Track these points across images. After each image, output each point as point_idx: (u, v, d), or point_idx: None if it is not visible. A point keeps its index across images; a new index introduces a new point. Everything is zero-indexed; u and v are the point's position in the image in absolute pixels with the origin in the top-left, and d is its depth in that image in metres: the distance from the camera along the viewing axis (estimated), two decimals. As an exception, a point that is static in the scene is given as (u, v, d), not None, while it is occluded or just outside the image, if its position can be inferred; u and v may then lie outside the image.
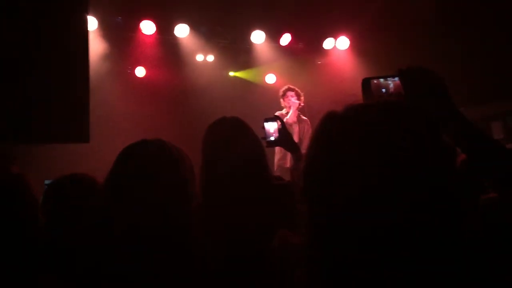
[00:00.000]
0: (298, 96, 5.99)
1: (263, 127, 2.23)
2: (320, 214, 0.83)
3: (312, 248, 0.84)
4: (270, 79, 8.32)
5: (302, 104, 5.98)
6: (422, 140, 0.82)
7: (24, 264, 1.44)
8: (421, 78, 1.12)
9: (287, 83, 6.53)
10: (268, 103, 6.58)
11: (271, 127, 2.22)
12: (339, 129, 0.86)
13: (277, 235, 1.17)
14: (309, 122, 6.00)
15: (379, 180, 0.78)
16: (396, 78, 1.17)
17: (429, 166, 0.79)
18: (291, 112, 5.90)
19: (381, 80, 1.20)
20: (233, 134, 1.89)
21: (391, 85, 1.20)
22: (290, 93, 6.01)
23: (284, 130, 2.22)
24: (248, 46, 7.91)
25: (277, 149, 5.71)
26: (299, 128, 5.87)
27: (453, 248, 0.77)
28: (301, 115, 6.01)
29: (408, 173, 0.78)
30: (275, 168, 5.63)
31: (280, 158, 5.73)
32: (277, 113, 5.86)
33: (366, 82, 1.21)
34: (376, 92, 1.20)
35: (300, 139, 5.75)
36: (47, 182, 3.37)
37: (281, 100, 6.12)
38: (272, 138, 2.21)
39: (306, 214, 0.86)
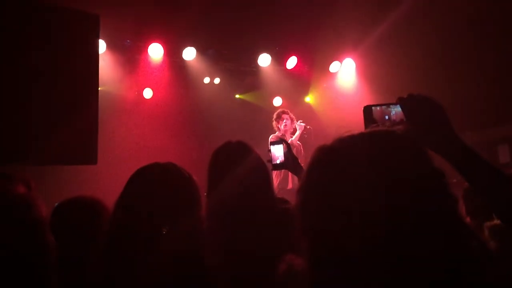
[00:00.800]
0: (291, 120, 6.05)
1: (269, 151, 2.24)
2: (316, 247, 0.85)
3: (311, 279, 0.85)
4: (277, 101, 8.35)
5: (309, 126, 6.01)
6: (407, 167, 0.83)
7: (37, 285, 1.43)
8: (421, 106, 1.13)
9: (292, 105, 6.58)
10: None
11: (277, 150, 2.23)
12: (327, 161, 0.88)
13: (284, 260, 1.17)
14: (302, 147, 6.04)
15: (368, 210, 0.79)
16: (398, 106, 1.18)
17: (414, 192, 0.80)
18: (296, 134, 5.94)
19: (383, 107, 1.22)
20: (238, 159, 1.90)
21: (393, 112, 1.21)
22: (285, 116, 6.07)
23: (290, 153, 2.23)
24: (254, 69, 8.00)
25: (275, 172, 5.72)
26: (296, 151, 5.87)
27: (455, 273, 0.77)
28: (298, 140, 6.04)
29: (393, 201, 0.79)
30: (276, 191, 5.60)
31: (280, 181, 5.73)
32: (272, 136, 5.89)
33: (367, 109, 1.23)
34: (379, 119, 1.21)
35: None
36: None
37: (275, 122, 6.15)
38: (278, 161, 2.22)
39: (305, 244, 0.87)
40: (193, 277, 1.38)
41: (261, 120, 7.61)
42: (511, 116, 6.48)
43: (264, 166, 1.96)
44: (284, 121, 6.01)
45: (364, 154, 0.85)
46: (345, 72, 8.28)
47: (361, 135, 0.90)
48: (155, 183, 1.50)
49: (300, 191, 0.90)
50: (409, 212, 0.78)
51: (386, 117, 1.21)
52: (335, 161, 0.86)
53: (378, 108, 1.22)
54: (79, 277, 1.65)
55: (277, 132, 6.06)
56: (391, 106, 1.21)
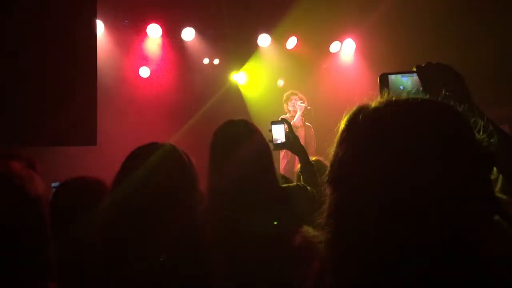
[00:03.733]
0: (302, 101, 6.03)
1: (270, 130, 2.23)
2: (344, 206, 0.81)
3: (333, 246, 0.82)
4: (279, 82, 8.25)
5: (309, 107, 5.99)
6: (461, 140, 0.80)
7: (29, 271, 1.41)
8: (440, 75, 1.10)
9: (293, 86, 6.54)
10: (275, 106, 6.58)
11: (278, 130, 2.21)
12: (376, 124, 0.83)
13: (299, 232, 1.15)
14: (312, 128, 6.03)
15: (417, 179, 0.76)
16: (414, 75, 1.15)
17: (466, 168, 0.77)
18: (297, 115, 5.92)
19: (399, 76, 1.18)
20: (240, 137, 1.88)
21: (409, 82, 1.17)
22: (294, 97, 6.06)
23: (291, 133, 2.22)
24: (254, 50, 7.92)
25: (283, 153, 5.73)
26: (305, 132, 5.88)
27: (483, 252, 0.75)
28: (306, 122, 6.03)
29: (447, 176, 0.76)
30: (283, 172, 5.61)
31: (287, 162, 5.73)
32: (281, 117, 5.88)
33: (384, 78, 1.18)
34: (394, 88, 1.17)
35: (306, 142, 5.74)
36: (54, 184, 3.37)
37: (285, 104, 6.14)
38: (279, 141, 2.21)
39: (332, 204, 0.84)
40: (191, 258, 1.37)
41: (263, 100, 7.57)
42: (511, 96, 6.45)
43: (266, 144, 1.95)
44: (293, 101, 6.01)
45: (421, 123, 0.80)
46: (346, 52, 8.21)
47: (411, 102, 0.85)
48: (153, 163, 1.49)
49: (337, 151, 0.85)
50: (457, 186, 0.75)
51: (401, 87, 1.18)
52: (388, 125, 0.81)
53: (393, 77, 1.18)
54: (79, 256, 1.65)
55: (287, 114, 6.06)
56: (406, 74, 1.18)
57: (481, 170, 0.81)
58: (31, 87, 3.68)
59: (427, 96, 1.06)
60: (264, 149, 1.91)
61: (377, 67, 7.25)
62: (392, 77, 1.18)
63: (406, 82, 1.17)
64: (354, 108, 0.87)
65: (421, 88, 1.12)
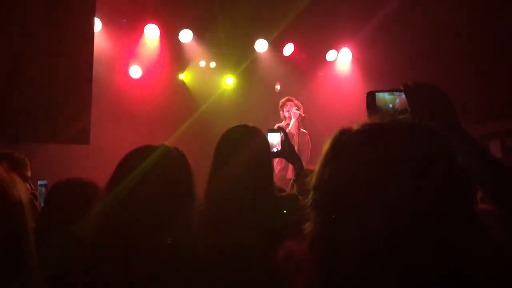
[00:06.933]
0: (297, 107, 6.02)
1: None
2: (330, 230, 0.83)
3: (319, 263, 0.83)
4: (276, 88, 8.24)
5: (304, 114, 5.99)
6: (440, 164, 0.81)
7: (16, 273, 1.39)
8: (426, 94, 1.09)
9: (288, 93, 6.55)
10: (269, 112, 6.59)
11: (274, 138, 2.22)
12: (355, 147, 0.84)
13: (283, 246, 1.15)
14: (308, 135, 6.02)
15: (394, 201, 0.77)
16: (403, 93, 1.13)
17: (445, 190, 0.78)
18: (292, 122, 5.92)
19: (387, 94, 1.17)
20: (243, 143, 1.89)
21: (397, 100, 1.16)
22: (289, 103, 6.05)
23: (287, 141, 2.23)
24: (250, 55, 7.93)
25: (277, 160, 5.72)
26: (299, 139, 5.87)
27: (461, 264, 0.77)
28: (300, 128, 6.02)
29: (425, 198, 0.77)
30: (276, 179, 5.59)
31: (281, 169, 5.72)
32: (277, 125, 5.87)
33: (370, 96, 1.17)
34: (383, 107, 1.17)
35: (299, 150, 5.75)
36: (40, 182, 3.32)
37: (280, 111, 6.14)
38: (275, 149, 2.22)
39: (314, 228, 0.85)
40: (184, 264, 1.37)
41: (257, 105, 7.57)
42: (502, 112, 6.51)
43: (268, 154, 1.97)
44: (288, 107, 5.99)
45: (399, 145, 0.82)
46: (342, 61, 8.25)
47: (391, 124, 0.86)
48: (150, 165, 1.48)
49: (319, 173, 0.86)
50: (436, 207, 0.77)
51: (390, 105, 1.17)
52: (366, 149, 0.82)
53: (381, 95, 1.17)
54: (66, 261, 1.62)
55: (283, 122, 6.05)
56: (395, 93, 1.16)
57: (463, 194, 0.81)
58: (26, 83, 3.66)
59: (413, 118, 1.08)
60: (264, 159, 1.92)
61: (373, 77, 7.31)
62: (380, 95, 1.16)
63: (395, 101, 1.16)
64: (337, 131, 0.88)
65: (409, 107, 1.11)
